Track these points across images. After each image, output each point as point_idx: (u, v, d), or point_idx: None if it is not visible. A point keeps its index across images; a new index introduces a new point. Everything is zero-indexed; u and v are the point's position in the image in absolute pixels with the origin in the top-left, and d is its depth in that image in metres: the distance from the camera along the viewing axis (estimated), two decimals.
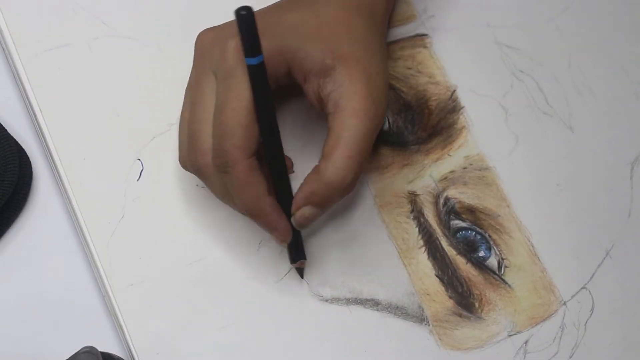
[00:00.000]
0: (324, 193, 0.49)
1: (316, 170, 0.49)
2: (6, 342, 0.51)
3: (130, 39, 0.56)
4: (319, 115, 0.51)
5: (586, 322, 0.55)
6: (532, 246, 0.55)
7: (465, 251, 0.55)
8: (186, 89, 0.52)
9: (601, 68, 0.59)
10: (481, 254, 0.55)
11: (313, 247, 0.54)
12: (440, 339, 0.53)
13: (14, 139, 0.53)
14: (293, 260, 0.52)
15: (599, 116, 0.58)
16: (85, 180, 0.53)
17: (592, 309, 0.55)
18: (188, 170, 0.51)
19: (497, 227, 0.56)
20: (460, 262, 0.55)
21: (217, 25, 0.51)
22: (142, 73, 0.55)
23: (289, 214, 0.50)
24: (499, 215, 0.56)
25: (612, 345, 0.55)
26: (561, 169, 0.57)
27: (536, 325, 0.54)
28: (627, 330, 0.55)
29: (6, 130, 0.53)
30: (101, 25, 0.55)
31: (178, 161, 0.51)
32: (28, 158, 0.54)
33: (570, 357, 0.54)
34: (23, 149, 0.54)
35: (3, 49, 0.55)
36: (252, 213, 0.49)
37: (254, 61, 0.46)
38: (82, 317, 0.52)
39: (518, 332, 0.54)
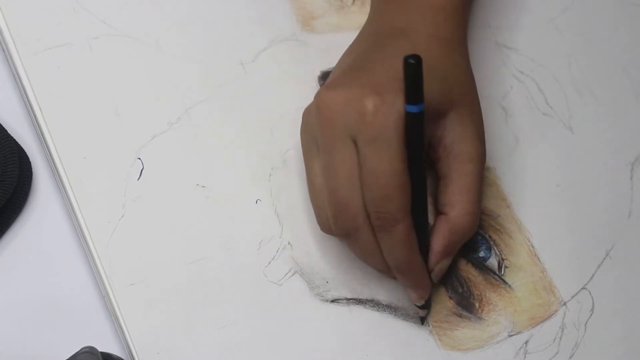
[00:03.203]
0: (458, 240, 0.51)
1: (445, 220, 0.51)
2: (6, 342, 0.51)
3: (131, 38, 0.55)
4: None
5: (586, 322, 0.55)
6: (532, 246, 0.56)
7: (465, 251, 0.55)
8: (310, 157, 0.51)
9: (601, 68, 0.59)
10: (481, 254, 0.55)
11: (313, 247, 0.54)
12: (440, 340, 0.53)
13: (14, 139, 0.53)
14: (422, 309, 0.53)
15: (599, 117, 0.58)
16: (85, 179, 0.53)
17: (592, 310, 0.55)
18: (331, 234, 0.51)
19: (497, 227, 0.56)
20: (461, 262, 0.55)
21: (333, 81, 0.50)
22: (142, 72, 0.55)
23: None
24: (499, 216, 0.56)
25: (612, 345, 0.55)
26: (561, 170, 0.57)
27: (536, 325, 0.54)
28: (627, 331, 0.55)
29: (6, 130, 0.53)
30: (101, 24, 0.55)
31: (318, 226, 0.52)
32: (28, 158, 0.54)
33: (571, 357, 0.54)
34: (23, 149, 0.54)
35: (3, 48, 0.55)
36: (404, 270, 0.50)
37: (415, 109, 0.46)
38: (82, 317, 0.52)
39: (518, 333, 0.54)
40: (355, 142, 0.48)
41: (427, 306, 0.53)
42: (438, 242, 0.51)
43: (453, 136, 0.50)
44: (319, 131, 0.49)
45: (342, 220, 0.49)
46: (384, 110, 0.47)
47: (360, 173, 0.48)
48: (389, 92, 0.47)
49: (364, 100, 0.47)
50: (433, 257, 0.51)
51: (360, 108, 0.47)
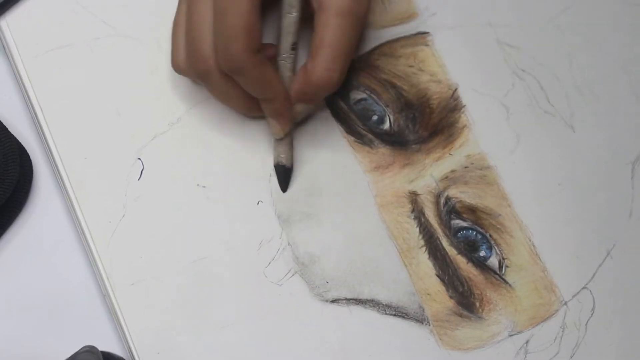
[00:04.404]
0: (312, 92, 0.52)
1: (304, 70, 0.51)
2: (6, 341, 0.51)
3: (131, 39, 0.56)
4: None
5: (587, 322, 0.55)
6: (533, 246, 0.55)
7: (466, 251, 0.55)
8: None
9: (601, 68, 0.59)
10: (482, 253, 0.55)
11: (313, 247, 0.54)
12: (440, 339, 0.53)
13: (15, 138, 0.54)
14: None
15: (600, 116, 0.58)
16: (86, 179, 0.53)
17: (593, 309, 0.55)
18: (183, 75, 0.53)
19: (498, 226, 0.55)
20: (461, 261, 0.55)
21: None
22: (143, 73, 0.55)
23: None
24: (500, 215, 0.56)
25: (613, 345, 0.55)
26: (562, 169, 0.57)
27: (537, 325, 0.54)
28: (628, 330, 0.55)
29: (7, 129, 0.53)
30: (102, 25, 0.55)
31: (171, 65, 0.53)
32: (29, 157, 0.54)
33: (571, 357, 0.54)
34: (24, 148, 0.54)
35: (4, 49, 0.55)
36: (267, 97, 0.51)
37: None
38: (82, 316, 0.52)
39: (519, 332, 0.54)
40: None
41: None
42: (293, 87, 0.52)
43: None
44: None
45: (194, 63, 0.51)
46: None
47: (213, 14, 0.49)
48: None
49: None
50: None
51: None
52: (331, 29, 0.50)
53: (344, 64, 0.51)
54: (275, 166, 0.54)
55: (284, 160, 0.54)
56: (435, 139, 0.57)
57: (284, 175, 0.54)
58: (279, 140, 0.54)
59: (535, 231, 0.56)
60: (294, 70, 0.53)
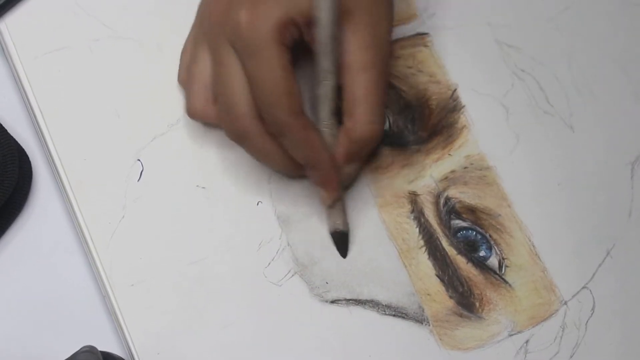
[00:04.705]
0: (358, 149, 0.52)
1: (344, 131, 0.51)
2: (6, 342, 0.51)
3: (131, 40, 0.56)
4: None
5: (587, 321, 0.55)
6: (533, 246, 0.55)
7: (465, 251, 0.55)
8: (196, 41, 0.53)
9: (601, 68, 0.59)
10: (482, 253, 0.55)
11: (313, 248, 0.54)
12: (440, 339, 0.53)
13: (15, 140, 0.54)
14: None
15: (599, 116, 0.58)
16: (86, 180, 0.53)
17: (593, 309, 0.55)
18: (201, 121, 0.54)
19: (497, 226, 0.55)
20: (461, 262, 0.55)
21: None
22: (142, 74, 0.55)
23: None
24: (500, 215, 0.56)
25: (613, 345, 0.54)
26: (562, 169, 0.57)
27: (537, 325, 0.54)
28: (628, 330, 0.55)
29: (6, 130, 0.53)
30: (101, 26, 0.55)
31: (186, 113, 0.53)
32: (28, 158, 0.54)
33: (571, 356, 0.54)
34: (23, 149, 0.54)
35: (4, 50, 0.55)
36: (312, 164, 0.51)
37: None
38: (82, 317, 0.52)
39: (519, 332, 0.54)
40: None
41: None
42: (338, 150, 0.52)
43: (346, 46, 0.50)
44: (208, 33, 0.51)
45: (231, 121, 0.50)
46: (256, 22, 0.47)
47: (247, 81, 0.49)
48: (265, 3, 0.48)
49: (239, 12, 0.48)
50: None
51: (235, 19, 0.48)
52: (361, 85, 0.50)
53: (383, 112, 0.51)
54: (332, 234, 0.54)
55: (340, 227, 0.54)
56: (435, 139, 0.57)
57: (343, 241, 0.54)
58: (331, 207, 0.53)
59: (535, 231, 0.56)
60: (336, 137, 0.52)
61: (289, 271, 0.53)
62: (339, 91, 0.51)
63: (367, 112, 0.50)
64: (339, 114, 0.52)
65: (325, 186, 0.52)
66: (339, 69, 0.50)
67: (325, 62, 0.50)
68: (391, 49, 0.52)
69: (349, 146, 0.51)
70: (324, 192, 0.52)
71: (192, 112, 0.53)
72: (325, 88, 0.51)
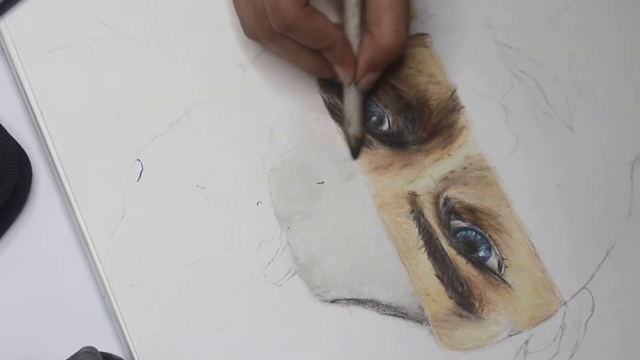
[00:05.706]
0: (383, 57, 0.54)
1: (370, 38, 0.53)
2: (6, 342, 0.51)
3: (131, 40, 0.56)
4: None
5: (586, 322, 0.55)
6: (533, 246, 0.55)
7: (465, 251, 0.55)
8: None
9: (601, 68, 0.59)
10: (481, 254, 0.55)
11: (313, 247, 0.54)
12: (440, 339, 0.53)
13: (14, 140, 0.53)
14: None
15: (599, 116, 0.58)
16: (85, 181, 0.53)
17: (592, 309, 0.55)
18: (256, 40, 0.54)
19: (497, 227, 0.55)
20: (461, 262, 0.55)
21: None
22: (142, 74, 0.55)
23: None
24: (499, 215, 0.56)
25: (613, 345, 0.55)
26: (561, 169, 0.57)
27: (536, 325, 0.54)
28: (627, 330, 0.55)
29: (6, 130, 0.53)
30: (101, 26, 0.55)
31: (243, 32, 0.54)
32: (28, 158, 0.54)
33: (571, 357, 0.54)
34: (23, 150, 0.54)
35: (3, 50, 0.55)
36: (327, 46, 0.53)
37: None
38: (82, 317, 0.52)
39: (518, 332, 0.54)
40: None
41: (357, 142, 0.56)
42: (363, 56, 0.54)
43: None
44: None
45: (259, 28, 0.52)
46: None
47: None
48: None
49: None
50: (359, 71, 0.54)
51: None
52: None
53: (408, 23, 0.53)
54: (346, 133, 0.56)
55: (354, 132, 0.55)
56: (434, 139, 0.57)
57: (357, 142, 0.56)
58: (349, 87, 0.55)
59: (535, 231, 0.56)
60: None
61: (289, 271, 0.53)
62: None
63: (394, 21, 0.52)
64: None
65: (343, 64, 0.54)
66: None
67: None
68: None
69: (374, 52, 0.53)
70: (342, 70, 0.54)
71: (247, 33, 0.54)
72: (351, 2, 0.54)
